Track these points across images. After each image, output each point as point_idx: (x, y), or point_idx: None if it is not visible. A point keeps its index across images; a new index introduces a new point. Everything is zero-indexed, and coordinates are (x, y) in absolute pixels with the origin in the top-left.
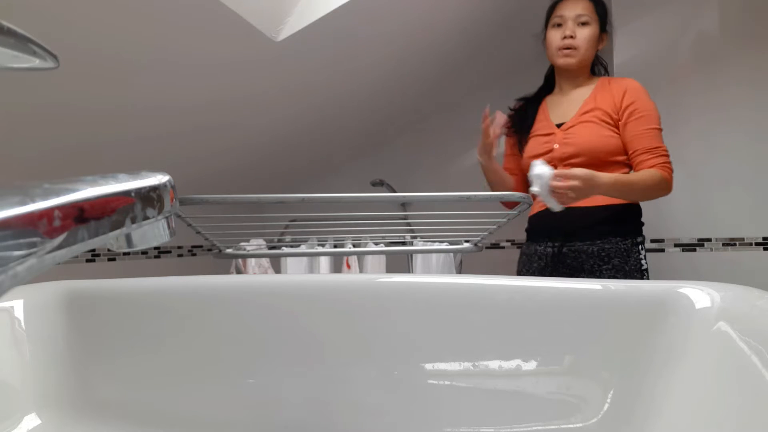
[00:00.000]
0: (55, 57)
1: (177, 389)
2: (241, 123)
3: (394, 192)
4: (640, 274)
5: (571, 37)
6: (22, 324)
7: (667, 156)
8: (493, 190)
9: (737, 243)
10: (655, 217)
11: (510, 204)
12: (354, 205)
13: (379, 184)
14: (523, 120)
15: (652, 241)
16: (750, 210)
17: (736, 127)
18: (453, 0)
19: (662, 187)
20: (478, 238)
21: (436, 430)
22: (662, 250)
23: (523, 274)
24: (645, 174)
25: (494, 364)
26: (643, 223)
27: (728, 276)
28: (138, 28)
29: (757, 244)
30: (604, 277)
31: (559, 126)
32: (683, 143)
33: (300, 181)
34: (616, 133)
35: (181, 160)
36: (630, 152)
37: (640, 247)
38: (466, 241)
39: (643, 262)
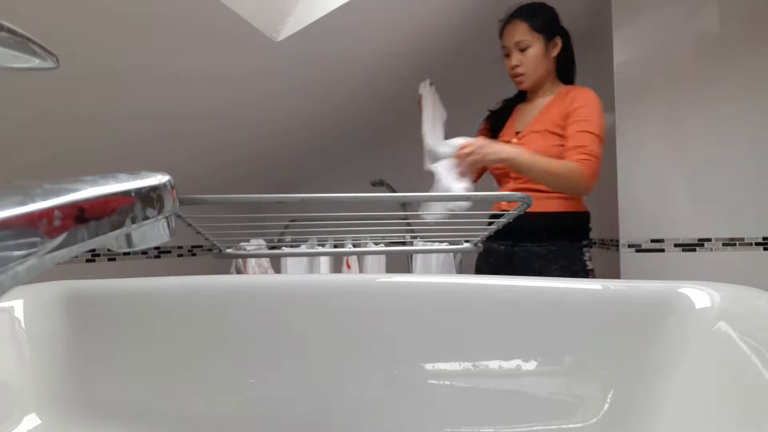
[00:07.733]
0: (55, 57)
1: (177, 389)
2: (241, 122)
3: (394, 192)
4: (585, 273)
5: (517, 65)
6: (22, 324)
7: (591, 156)
8: None
9: (737, 243)
10: (655, 217)
11: None
12: (354, 205)
13: (379, 184)
14: (499, 122)
15: (652, 241)
16: (750, 210)
17: (736, 127)
18: (454, 1)
19: (575, 179)
20: (478, 238)
21: (436, 430)
22: (662, 250)
23: (481, 269)
24: (562, 163)
25: (494, 364)
26: (590, 228)
27: (728, 276)
28: (138, 27)
29: (757, 244)
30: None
31: (518, 133)
32: (683, 143)
33: (300, 181)
34: (562, 143)
35: (181, 159)
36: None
37: (584, 249)
38: (466, 241)
39: (588, 263)
